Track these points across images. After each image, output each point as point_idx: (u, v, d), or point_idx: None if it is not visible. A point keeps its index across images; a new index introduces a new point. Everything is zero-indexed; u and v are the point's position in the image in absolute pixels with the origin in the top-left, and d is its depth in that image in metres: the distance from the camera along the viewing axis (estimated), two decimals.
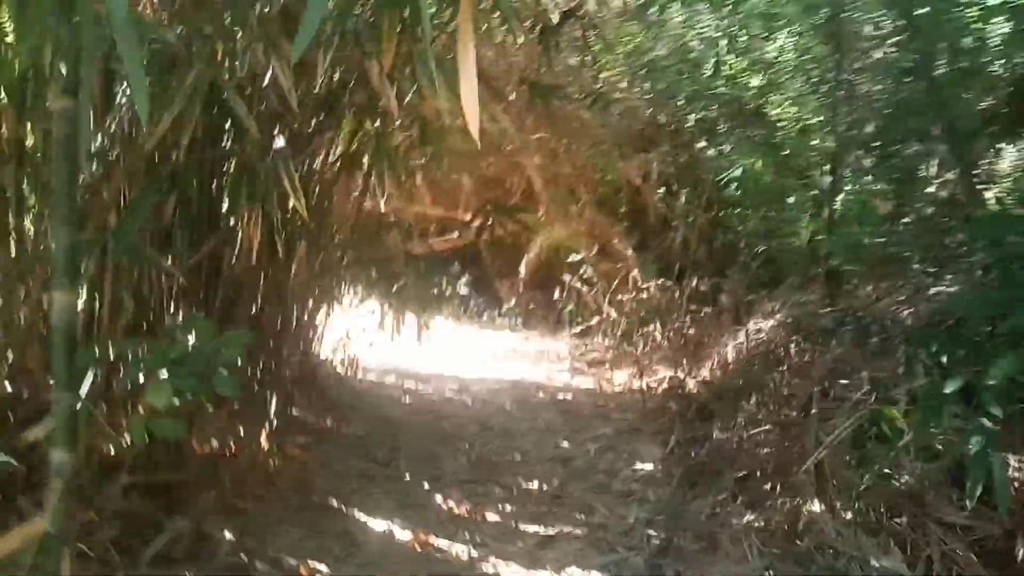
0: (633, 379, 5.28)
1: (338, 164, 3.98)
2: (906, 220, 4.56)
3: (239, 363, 2.53)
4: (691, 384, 4.67)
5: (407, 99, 4.01)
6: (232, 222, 2.36)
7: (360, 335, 4.96)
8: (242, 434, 2.73)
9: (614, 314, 6.74)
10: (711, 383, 4.58)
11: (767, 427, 3.53)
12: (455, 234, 8.56)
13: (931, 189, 4.78)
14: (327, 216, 3.33)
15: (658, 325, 6.50)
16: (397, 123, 4.38)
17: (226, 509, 2.56)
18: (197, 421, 2.51)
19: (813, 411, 3.38)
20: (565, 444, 3.99)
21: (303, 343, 4.23)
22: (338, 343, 5.04)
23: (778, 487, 2.94)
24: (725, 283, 5.75)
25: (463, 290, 8.26)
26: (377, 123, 3.87)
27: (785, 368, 4.20)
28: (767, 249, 5.54)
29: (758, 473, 3.12)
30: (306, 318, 3.83)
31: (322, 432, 3.68)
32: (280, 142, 1.91)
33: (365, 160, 3.16)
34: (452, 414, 4.44)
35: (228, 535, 2.42)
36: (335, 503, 2.84)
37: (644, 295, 6.77)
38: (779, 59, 6.48)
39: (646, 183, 6.68)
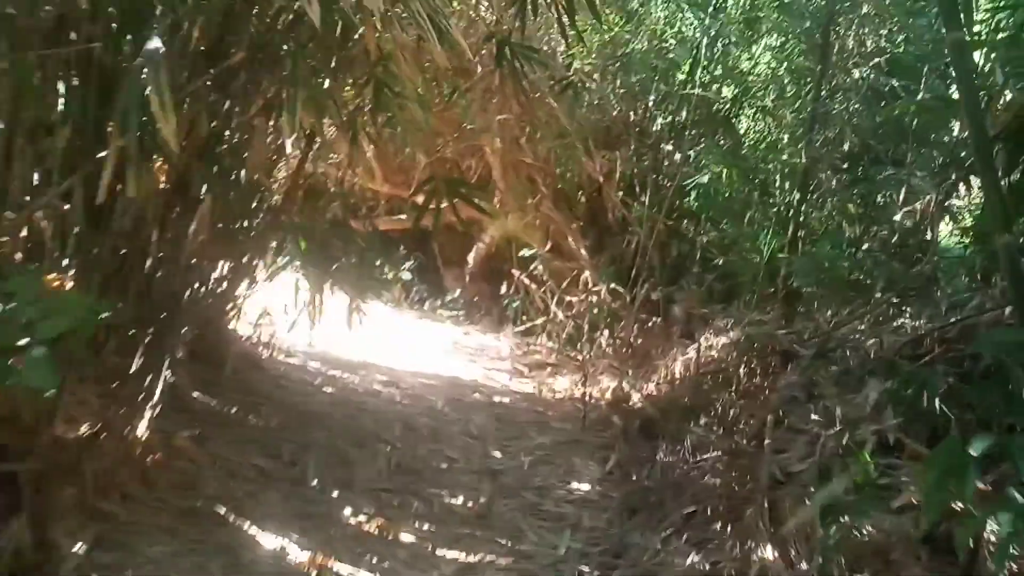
0: (575, 387, 4.97)
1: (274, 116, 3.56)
2: (872, 246, 4.38)
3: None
4: (636, 397, 4.38)
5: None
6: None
7: (286, 314, 4.50)
8: (117, 417, 2.28)
9: (561, 316, 6.42)
10: (657, 398, 4.30)
11: (716, 454, 3.25)
12: (403, 216, 8.12)
13: (899, 217, 4.61)
14: (250, 172, 2.87)
15: (605, 332, 6.23)
16: (349, 80, 3.97)
17: (84, 511, 2.12)
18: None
19: (767, 441, 3.12)
20: (497, 454, 3.64)
21: (212, 317, 3.77)
22: (258, 321, 4.58)
23: (728, 527, 2.65)
24: (678, 294, 5.49)
25: (406, 275, 7.83)
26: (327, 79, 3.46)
27: (737, 390, 3.95)
28: (725, 263, 5.30)
29: (706, 508, 2.83)
30: (216, 288, 3.37)
31: (222, 421, 3.23)
32: (155, 42, 1.45)
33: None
34: (377, 410, 4.04)
35: (80, 545, 1.98)
36: (223, 510, 2.42)
37: (594, 299, 6.48)
38: (757, 69, 6.28)
39: (608, 182, 6.38)
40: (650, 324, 5.60)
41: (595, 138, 6.38)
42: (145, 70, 1.38)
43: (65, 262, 2.09)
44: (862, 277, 4.21)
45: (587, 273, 6.65)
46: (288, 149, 3.16)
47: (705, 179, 5.11)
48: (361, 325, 3.98)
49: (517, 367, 5.55)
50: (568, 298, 6.63)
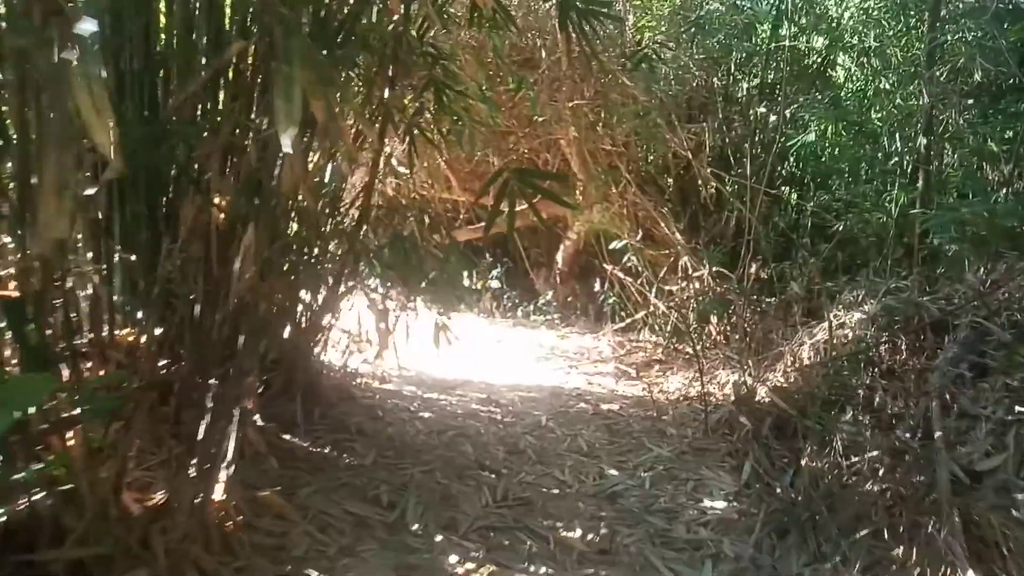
0: (690, 385, 4.51)
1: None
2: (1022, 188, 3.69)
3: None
4: (762, 392, 3.87)
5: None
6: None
7: (376, 339, 4.29)
8: (186, 482, 2.06)
9: (662, 307, 5.96)
10: (787, 391, 3.78)
11: (875, 453, 2.73)
12: (483, 223, 7.86)
13: None
14: (286, 191, 2.62)
15: (714, 320, 5.72)
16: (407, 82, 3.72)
17: None
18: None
19: (937, 433, 2.58)
20: (612, 472, 3.24)
21: (297, 351, 3.59)
22: (347, 348, 4.39)
23: (909, 547, 2.16)
24: (793, 269, 4.91)
25: (494, 284, 7.55)
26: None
27: (884, 373, 3.39)
28: (844, 227, 4.69)
29: (875, 524, 2.34)
30: (301, 318, 3.17)
31: (313, 466, 3.00)
32: (86, 23, 1.13)
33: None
34: (477, 433, 3.73)
35: None
36: (314, 574, 2.16)
37: (696, 285, 5.97)
38: (848, 8, 5.61)
39: (697, 157, 5.85)
40: (764, 306, 5.05)
41: (677, 112, 5.88)
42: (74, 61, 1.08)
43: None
44: (1016, 226, 3.54)
45: (685, 258, 6.16)
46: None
47: (809, 138, 4.51)
48: (450, 344, 3.70)
49: (622, 368, 5.13)
50: (668, 287, 6.16)
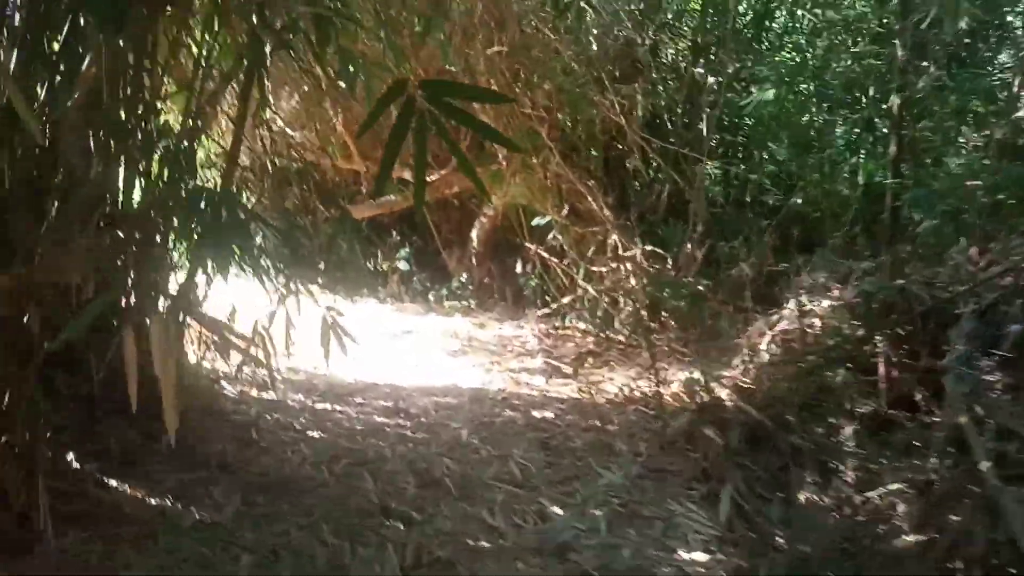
0: (634, 384, 3.83)
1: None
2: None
3: None
4: (723, 393, 3.23)
5: None
6: None
7: (258, 336, 3.37)
8: None
9: (592, 291, 5.27)
10: (754, 392, 3.15)
11: (897, 486, 2.10)
12: (392, 197, 6.92)
13: None
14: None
15: (648, 305, 5.09)
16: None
17: None
18: None
19: (983, 462, 1.97)
20: (556, 510, 2.50)
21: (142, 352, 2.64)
22: (209, 346, 3.46)
23: None
24: (740, 248, 4.30)
25: (402, 265, 6.66)
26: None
27: (872, 373, 2.80)
28: (799, 201, 4.11)
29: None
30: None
31: (144, 529, 2.10)
32: None
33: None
34: (380, 458, 2.90)
35: None
36: None
37: (629, 265, 5.31)
38: None
39: (629, 122, 5.15)
40: (710, 290, 4.44)
41: (607, 72, 5.15)
42: None
43: None
44: (1006, 198, 3.02)
45: (614, 236, 5.48)
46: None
47: (768, 95, 3.88)
48: (344, 350, 2.84)
49: (552, 362, 4.39)
50: (597, 268, 5.48)
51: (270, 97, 5.69)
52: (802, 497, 2.24)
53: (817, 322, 3.34)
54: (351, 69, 3.39)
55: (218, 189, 3.21)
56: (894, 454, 2.26)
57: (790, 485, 2.36)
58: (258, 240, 4.23)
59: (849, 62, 4.17)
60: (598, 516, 2.42)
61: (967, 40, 3.49)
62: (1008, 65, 3.06)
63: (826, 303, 3.37)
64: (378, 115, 1.40)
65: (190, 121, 2.96)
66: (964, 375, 2.31)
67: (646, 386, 3.72)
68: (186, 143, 2.97)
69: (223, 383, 3.61)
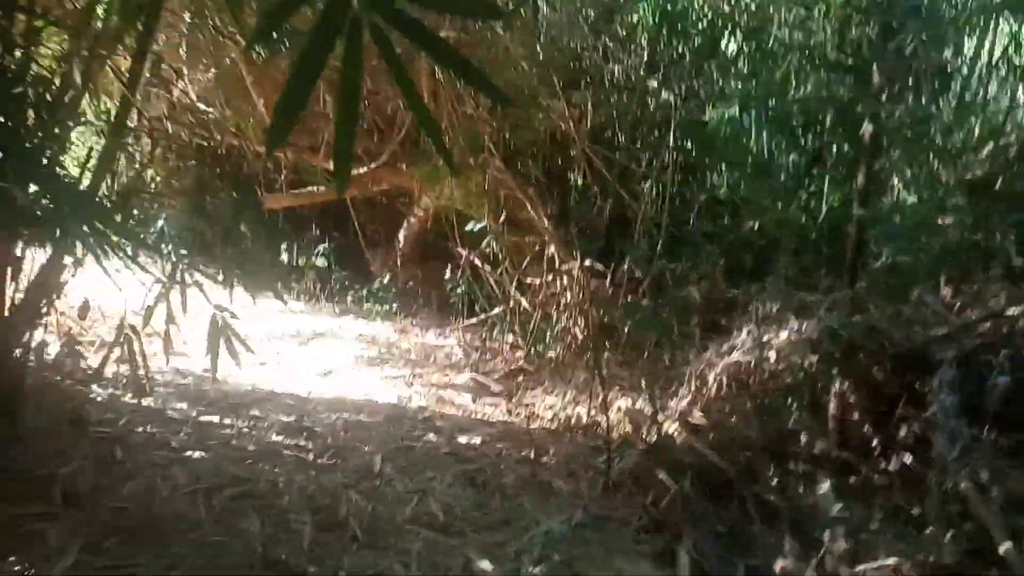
0: (570, 408, 3.42)
1: None
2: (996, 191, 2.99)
3: None
4: (672, 428, 2.86)
5: None
6: None
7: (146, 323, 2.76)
8: None
9: (525, 303, 4.85)
10: (706, 428, 2.79)
11: (893, 561, 1.76)
12: (313, 188, 6.30)
13: None
14: None
15: (582, 322, 4.71)
16: None
17: None
18: None
19: (1003, 543, 1.66)
20: (485, 564, 2.03)
21: None
22: (69, 339, 2.84)
23: None
24: (689, 271, 3.98)
25: (319, 262, 6.05)
26: None
27: (843, 419, 2.49)
28: (752, 226, 3.84)
29: None
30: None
31: None
32: None
33: None
34: (273, 489, 2.35)
35: None
36: None
37: (564, 280, 4.93)
38: None
39: (577, 130, 4.78)
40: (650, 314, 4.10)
41: (559, 75, 4.77)
42: None
43: None
44: (983, 237, 2.80)
45: (552, 248, 5.10)
46: None
47: (732, 111, 3.58)
48: (237, 358, 2.31)
49: (479, 380, 3.93)
50: (531, 280, 5.07)
51: (184, 68, 5.05)
52: (777, 566, 1.87)
53: (773, 355, 3.03)
54: (274, 35, 2.89)
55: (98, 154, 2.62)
56: (881, 517, 1.92)
57: (758, 547, 1.99)
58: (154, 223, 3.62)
59: (810, 87, 3.94)
60: (533, 574, 1.97)
61: (947, 69, 3.30)
62: (991, 96, 2.86)
63: (783, 335, 3.06)
64: (314, 61, 0.92)
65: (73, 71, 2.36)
66: (955, 433, 2.01)
67: (584, 412, 3.32)
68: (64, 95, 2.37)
69: (93, 386, 2.97)
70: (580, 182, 5.17)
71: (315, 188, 6.32)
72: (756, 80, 4.17)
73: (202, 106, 5.33)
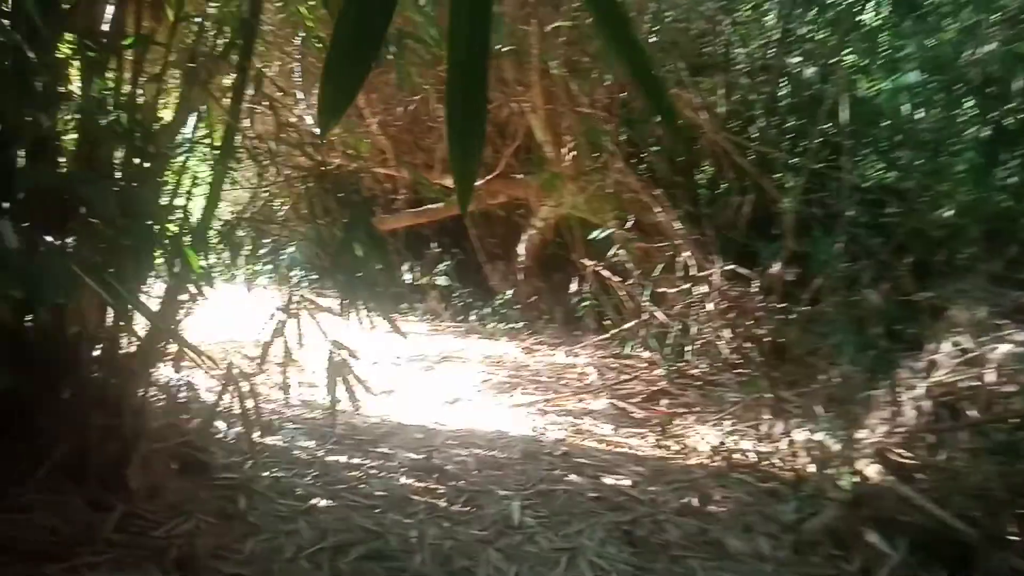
0: (729, 439, 2.92)
1: None
2: None
3: None
4: (865, 467, 2.30)
5: None
6: None
7: (263, 356, 2.60)
8: None
9: (660, 316, 4.38)
10: (908, 469, 2.22)
11: None
12: (434, 206, 6.14)
13: None
14: None
15: (730, 336, 4.19)
16: None
17: None
18: None
19: None
20: None
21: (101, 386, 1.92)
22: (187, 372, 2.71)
23: None
24: (865, 271, 3.35)
25: (441, 280, 5.85)
26: None
27: None
28: (952, 213, 3.17)
29: None
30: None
31: None
32: None
33: None
34: (405, 545, 2.05)
35: None
36: None
37: (704, 288, 4.41)
38: None
39: (711, 120, 4.26)
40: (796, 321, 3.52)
41: (685, 59, 4.28)
42: None
43: None
44: None
45: (686, 254, 4.60)
46: None
47: (909, 78, 2.97)
48: (356, 402, 2.03)
49: (618, 404, 3.51)
50: (665, 290, 4.60)
51: (298, 91, 5.00)
52: None
53: (992, 374, 2.40)
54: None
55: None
56: None
57: None
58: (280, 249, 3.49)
59: (994, 45, 3.22)
60: None
61: None
62: None
63: (1004, 348, 2.43)
64: None
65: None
66: None
67: (749, 444, 2.82)
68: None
69: (218, 423, 2.83)
70: (713, 178, 4.64)
71: (433, 206, 6.17)
72: (921, 42, 3.49)
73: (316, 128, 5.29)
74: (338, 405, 2.11)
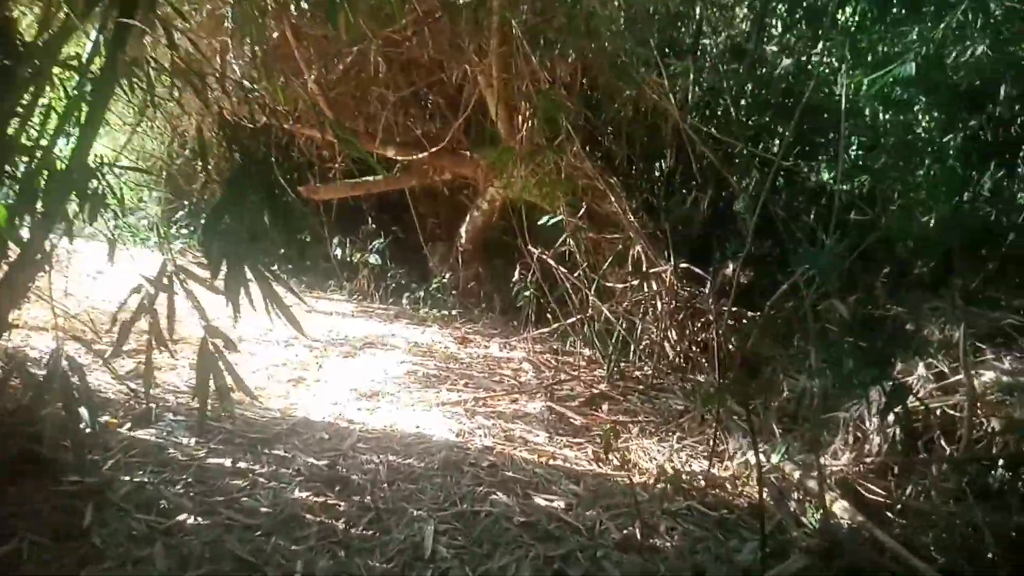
0: (675, 454, 2.62)
1: None
2: None
3: None
4: (835, 505, 2.02)
5: None
6: None
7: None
8: None
9: (606, 312, 4.06)
10: (881, 508, 1.95)
11: None
12: (372, 178, 5.66)
13: None
14: None
15: (675, 339, 3.92)
16: None
17: None
18: None
19: None
20: None
21: None
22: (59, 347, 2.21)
23: None
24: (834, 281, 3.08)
25: (374, 259, 5.39)
26: None
27: None
28: (932, 223, 2.93)
29: None
30: None
31: None
32: None
33: None
34: (283, 559, 1.65)
35: None
36: None
37: (653, 284, 4.12)
38: None
39: (680, 107, 3.94)
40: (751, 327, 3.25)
41: (654, 39, 3.93)
42: None
43: None
44: None
45: (638, 247, 4.29)
46: None
47: (909, 69, 2.70)
48: (227, 387, 1.62)
49: (555, 408, 3.16)
50: (613, 284, 4.28)
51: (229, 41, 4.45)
52: None
53: (969, 404, 2.15)
54: None
55: None
56: None
57: None
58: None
59: (980, 49, 2.99)
60: None
61: None
62: None
63: (987, 375, 2.18)
64: None
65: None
66: None
67: (697, 464, 2.52)
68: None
69: (82, 410, 2.34)
70: (673, 169, 4.33)
71: (372, 178, 5.68)
72: (906, 40, 3.24)
73: (246, 83, 4.73)
74: (205, 413, 1.68)
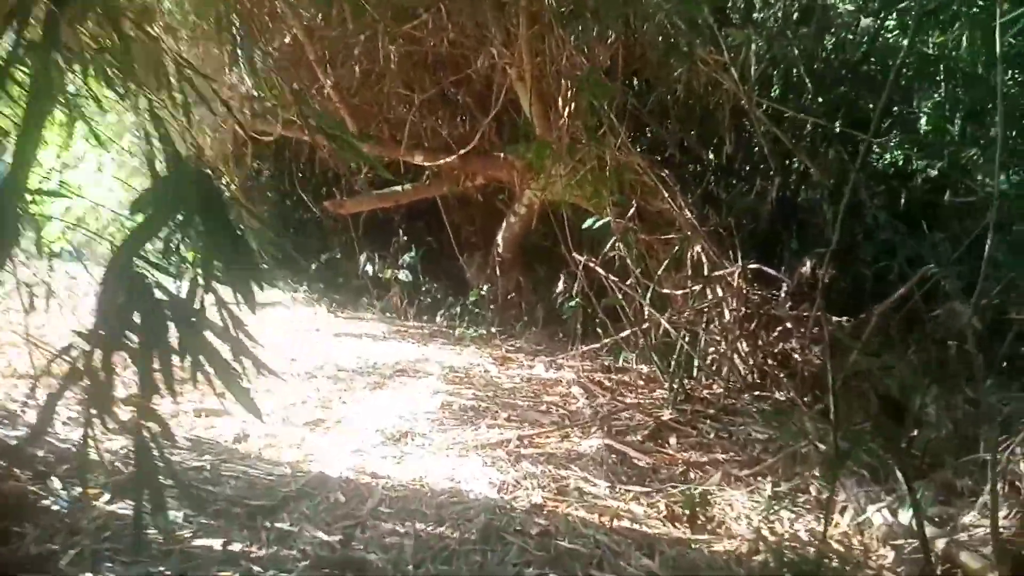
0: (770, 513, 2.10)
1: None
2: None
3: None
4: (973, 566, 1.48)
5: None
6: None
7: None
8: None
9: (664, 323, 3.55)
10: None
11: None
12: (399, 188, 5.26)
13: None
14: None
15: (746, 351, 3.39)
16: None
17: None
18: None
19: None
20: None
21: None
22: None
23: None
24: (950, 283, 2.51)
25: (403, 275, 4.98)
26: None
27: None
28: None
29: None
30: None
31: None
32: None
33: None
34: None
35: None
36: None
37: (719, 289, 3.59)
38: None
39: (740, 83, 3.40)
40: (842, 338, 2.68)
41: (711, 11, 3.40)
42: None
43: None
44: None
45: (698, 247, 3.77)
46: None
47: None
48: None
49: (615, 445, 2.67)
50: (671, 291, 3.77)
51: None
52: None
53: None
54: None
55: None
56: None
57: None
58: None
59: None
60: None
61: None
62: None
63: None
64: None
65: None
66: None
67: (800, 520, 2.00)
68: None
69: (52, 480, 1.96)
70: (733, 156, 3.79)
71: (399, 188, 5.29)
72: None
73: (256, 92, 4.37)
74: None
